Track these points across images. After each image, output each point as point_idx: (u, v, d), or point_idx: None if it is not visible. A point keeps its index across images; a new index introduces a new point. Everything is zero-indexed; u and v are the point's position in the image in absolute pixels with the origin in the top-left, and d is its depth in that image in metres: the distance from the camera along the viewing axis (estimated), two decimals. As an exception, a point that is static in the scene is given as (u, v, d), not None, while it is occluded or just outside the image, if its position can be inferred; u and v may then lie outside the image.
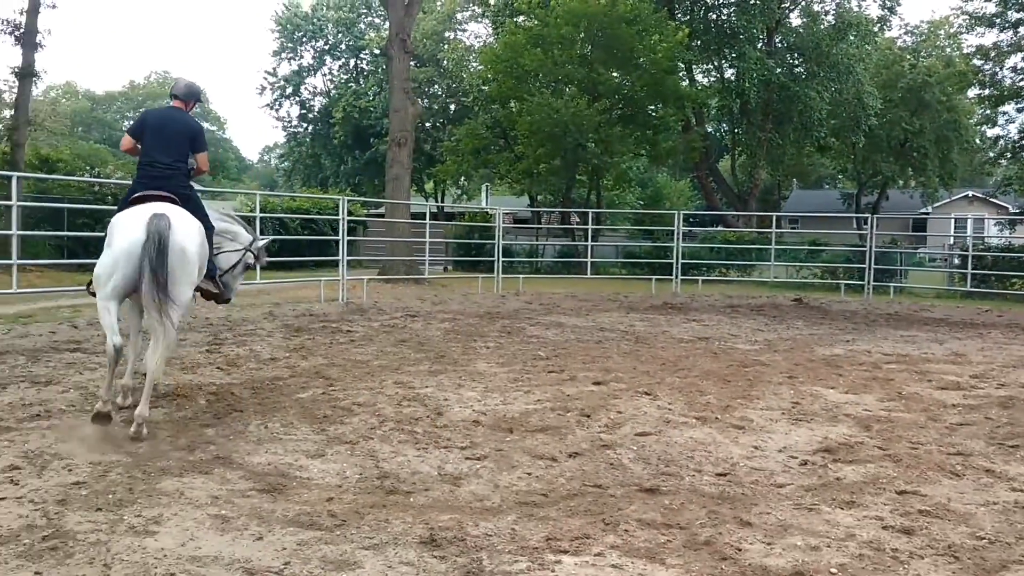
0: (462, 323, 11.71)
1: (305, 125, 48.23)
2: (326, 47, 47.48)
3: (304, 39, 47.17)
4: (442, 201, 45.14)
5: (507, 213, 28.85)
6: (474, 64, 37.19)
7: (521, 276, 19.90)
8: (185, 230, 5.34)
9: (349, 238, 14.67)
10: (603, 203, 29.49)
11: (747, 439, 5.43)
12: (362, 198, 35.40)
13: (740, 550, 3.55)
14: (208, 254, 6.02)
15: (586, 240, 21.15)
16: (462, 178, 41.81)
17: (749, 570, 3.34)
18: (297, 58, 47.72)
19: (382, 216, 24.02)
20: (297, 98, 47.94)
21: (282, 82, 47.61)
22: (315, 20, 46.76)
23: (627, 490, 4.35)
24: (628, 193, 38.64)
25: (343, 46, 47.19)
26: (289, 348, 8.88)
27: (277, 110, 48.63)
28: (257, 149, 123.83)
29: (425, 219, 19.84)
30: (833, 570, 3.36)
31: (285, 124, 49.22)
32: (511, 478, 4.51)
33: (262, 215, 16.45)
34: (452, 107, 41.61)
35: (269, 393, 6.53)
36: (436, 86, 41.87)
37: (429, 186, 45.31)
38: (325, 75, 48.29)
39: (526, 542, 3.59)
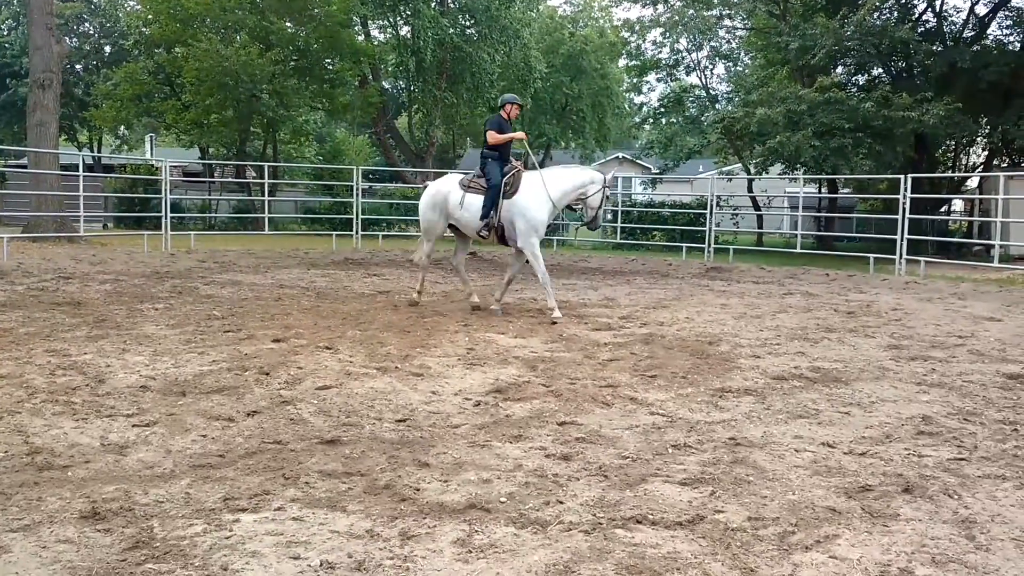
0: (126, 284, 10.83)
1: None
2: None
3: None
4: (99, 152, 40.99)
5: (175, 166, 27.00)
6: (132, 3, 33.98)
7: (193, 233, 18.77)
8: None
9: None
10: (280, 157, 28.61)
11: (425, 385, 5.64)
12: (-1, 147, 31.12)
13: (419, 490, 3.70)
14: None
15: (263, 195, 20.46)
16: (122, 127, 38.19)
17: (427, 507, 3.50)
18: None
19: (25, 168, 21.33)
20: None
21: None
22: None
23: (308, 443, 4.33)
24: (306, 148, 37.81)
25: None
26: (-91, 318, 7.67)
27: None
28: None
29: (78, 171, 17.93)
30: (503, 499, 3.61)
31: None
32: (184, 442, 4.30)
33: None
34: (108, 48, 37.74)
35: None
36: (87, 24, 37.68)
37: (83, 136, 40.92)
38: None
39: (202, 505, 3.46)
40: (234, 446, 4.27)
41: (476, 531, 3.26)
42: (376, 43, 30.97)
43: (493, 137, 9.14)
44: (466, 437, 4.53)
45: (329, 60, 26.65)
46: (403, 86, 35.34)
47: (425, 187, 9.85)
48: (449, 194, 9.26)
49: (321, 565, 2.94)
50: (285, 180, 28.81)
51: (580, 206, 9.23)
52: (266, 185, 20.51)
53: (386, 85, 35.67)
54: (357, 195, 19.26)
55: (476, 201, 9.06)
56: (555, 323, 8.47)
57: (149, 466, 3.94)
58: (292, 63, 25.62)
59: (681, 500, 3.64)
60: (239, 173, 28.59)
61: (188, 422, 4.63)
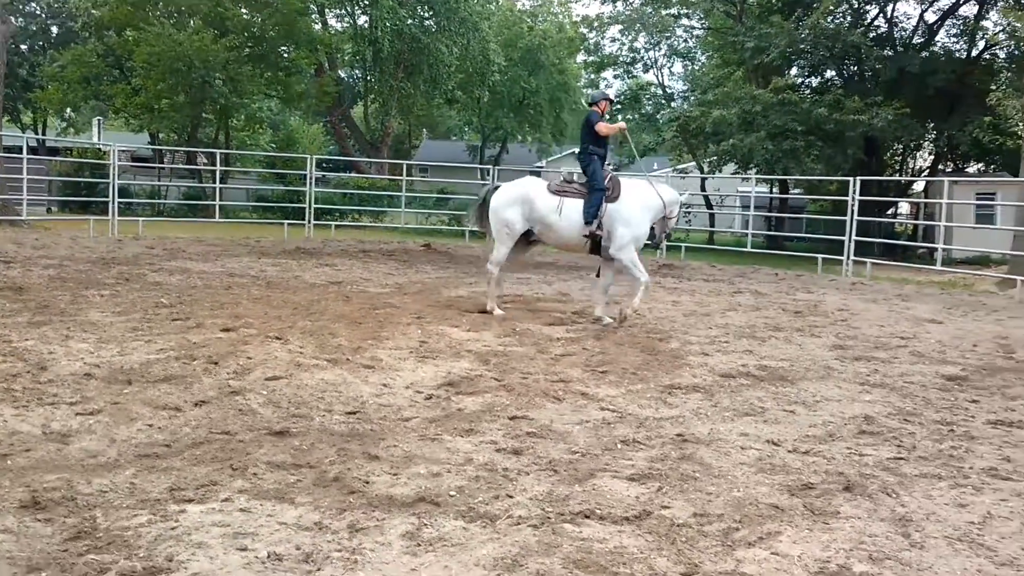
0: (70, 270, 10.59)
1: None
2: None
3: None
4: (43, 134, 39.95)
5: (124, 150, 26.41)
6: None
7: (141, 219, 18.39)
8: None
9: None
10: (233, 144, 28.18)
11: (376, 378, 5.62)
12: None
13: (368, 483, 3.69)
14: None
15: (214, 182, 20.15)
16: (68, 109, 37.28)
17: (376, 500, 3.49)
18: None
19: (-35, 148, 20.70)
20: None
21: None
22: None
23: (256, 434, 4.29)
24: (259, 135, 37.32)
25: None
26: None
27: None
28: None
29: (22, 153, 17.47)
30: (452, 493, 3.62)
31: None
32: (130, 431, 4.23)
33: None
34: (55, 29, 36.79)
35: None
36: (34, 3, 36.70)
37: (28, 117, 39.85)
38: None
39: (147, 495, 3.41)
40: (181, 436, 4.21)
41: (425, 524, 3.27)
42: (333, 32, 30.69)
43: (606, 128, 8.67)
44: (417, 430, 4.52)
45: (285, 48, 26.35)
46: (359, 76, 35.09)
47: (495, 187, 9.02)
48: (536, 198, 8.52)
49: (268, 557, 2.92)
50: (237, 167, 28.41)
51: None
52: (218, 172, 20.20)
53: (342, 74, 35.32)
54: (310, 184, 19.06)
55: (576, 206, 8.47)
56: (608, 324, 8.38)
57: (92, 455, 3.87)
58: (247, 50, 25.27)
59: (629, 495, 3.68)
60: (190, 159, 28.10)
61: (134, 411, 4.55)
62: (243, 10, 25.33)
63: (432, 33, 29.61)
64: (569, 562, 2.98)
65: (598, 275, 9.03)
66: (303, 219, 18.93)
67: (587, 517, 3.40)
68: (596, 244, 8.60)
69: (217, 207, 19.50)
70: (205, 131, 26.81)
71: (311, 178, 19.09)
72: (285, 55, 26.46)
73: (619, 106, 32.49)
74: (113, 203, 16.74)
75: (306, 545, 3.03)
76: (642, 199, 8.64)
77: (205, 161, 27.16)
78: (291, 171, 23.53)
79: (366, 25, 29.56)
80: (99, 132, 35.22)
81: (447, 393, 5.34)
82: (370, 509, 3.40)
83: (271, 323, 7.38)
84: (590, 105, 9.17)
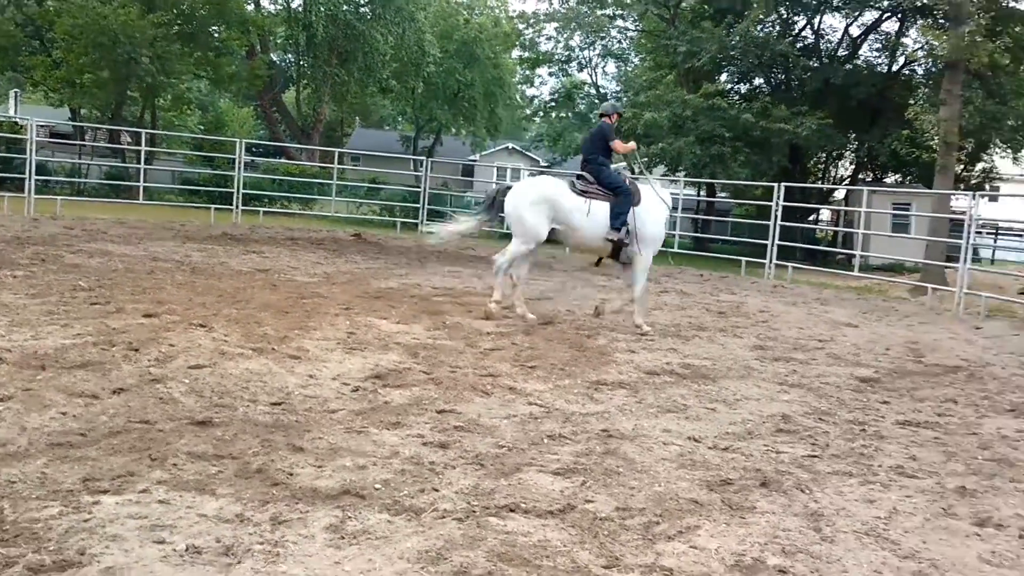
0: (-18, 249, 10.17)
1: None
2: None
3: None
4: (-46, 106, 38.22)
5: (43, 125, 25.46)
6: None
7: (60, 198, 17.75)
8: None
9: None
10: (159, 124, 27.41)
11: (303, 368, 5.55)
12: None
13: (292, 475, 3.65)
14: None
15: (139, 163, 19.55)
16: (-18, 80, 35.76)
17: (300, 492, 3.46)
18: None
19: None
20: None
21: None
22: None
23: (177, 424, 4.20)
24: (187, 116, 36.36)
25: None
26: None
27: None
28: None
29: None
30: (378, 486, 3.61)
31: None
32: (42, 419, 4.09)
33: None
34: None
35: None
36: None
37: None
38: None
39: (59, 485, 3.31)
40: (97, 425, 4.10)
41: (349, 517, 3.26)
42: (266, 14, 30.05)
43: (622, 147, 8.73)
44: (343, 422, 4.49)
45: (216, 28, 25.66)
46: (292, 60, 34.47)
47: (506, 187, 8.76)
48: (560, 198, 8.31)
49: (187, 550, 2.87)
50: (163, 148, 27.63)
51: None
52: (142, 152, 19.61)
53: (275, 58, 34.66)
54: (239, 168, 18.66)
55: (603, 209, 8.34)
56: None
57: (1, 444, 3.74)
58: (176, 27, 24.53)
59: (554, 489, 3.73)
60: (113, 138, 27.19)
61: (47, 398, 4.41)
62: (172, -15, 24.62)
63: (367, 20, 29.26)
64: (493, 555, 3.01)
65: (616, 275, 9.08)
66: (231, 204, 18.52)
67: (512, 511, 3.44)
68: (616, 248, 8.51)
69: (141, 188, 18.94)
70: (130, 109, 25.94)
71: (240, 162, 18.69)
72: (216, 35, 25.78)
73: (552, 104, 32.65)
74: (30, 180, 16.12)
75: (226, 538, 2.99)
76: (659, 203, 8.70)
77: (129, 140, 26.31)
78: (219, 154, 23.00)
79: (300, 9, 29.04)
80: (16, 105, 33.87)
81: (374, 385, 5.31)
82: (293, 501, 3.37)
83: (195, 310, 7.22)
84: (601, 116, 9.08)
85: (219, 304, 7.66)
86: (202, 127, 42.31)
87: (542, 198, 8.33)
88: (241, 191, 18.60)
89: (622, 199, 8.40)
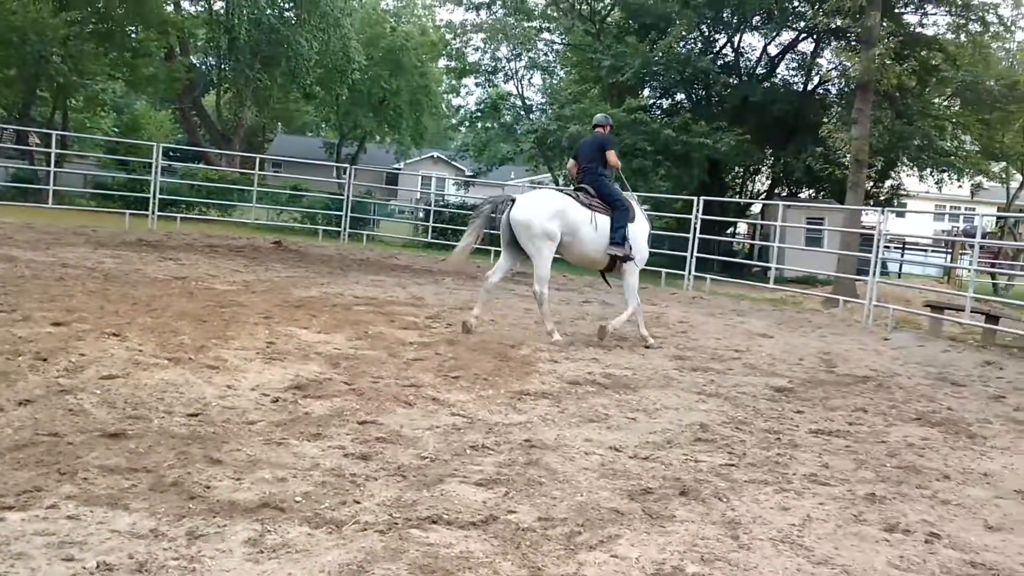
0: None
1: None
2: None
3: None
4: None
5: (-56, 125, 24.34)
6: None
7: (-39, 201, 17.00)
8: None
9: None
10: (71, 126, 26.48)
11: (221, 379, 5.43)
12: None
13: (209, 488, 3.57)
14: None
15: (48, 165, 18.85)
16: None
17: (217, 506, 3.39)
18: None
19: None
20: None
21: None
22: None
23: (88, 436, 4.06)
24: (101, 118, 35.24)
25: None
26: None
27: None
28: None
29: None
30: (298, 498, 3.56)
31: None
32: (-58, 432, 3.92)
33: None
34: None
35: None
36: None
37: None
38: None
39: (-40, 502, 3.17)
40: (1, 438, 3.93)
41: (268, 531, 3.20)
42: (186, 15, 29.40)
43: (616, 161, 8.83)
44: (262, 434, 4.41)
45: (133, 28, 24.97)
46: (213, 63, 33.78)
47: (508, 199, 8.56)
48: (568, 210, 8.28)
49: (98, 567, 2.78)
50: (75, 151, 26.71)
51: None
52: (52, 154, 18.92)
53: (195, 61, 33.90)
54: (156, 173, 18.17)
55: (606, 223, 8.40)
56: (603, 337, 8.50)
57: (-102, 458, 3.56)
58: (90, 26, 23.78)
59: (476, 500, 3.73)
60: (20, 139, 26.15)
61: (-52, 410, 4.22)
62: (88, -17, 23.89)
63: (291, 25, 28.91)
64: (415, 567, 2.99)
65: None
66: (146, 209, 18.02)
67: (434, 522, 3.43)
68: (612, 263, 8.66)
69: (51, 192, 18.27)
70: (40, 110, 25.04)
71: (157, 167, 18.20)
72: (133, 36, 25.10)
73: (479, 114, 32.73)
74: (-71, 182, 15.41)
75: (140, 554, 2.90)
76: (645, 220, 8.89)
77: (38, 142, 25.35)
78: (135, 158, 22.33)
79: (222, 12, 28.50)
80: (-85, 102, 32.22)
81: (294, 396, 5.23)
82: (211, 515, 3.29)
83: (108, 318, 6.99)
84: (596, 127, 9.14)
85: (133, 312, 7.43)
86: (117, 129, 41.04)
87: (556, 211, 8.27)
88: (158, 196, 18.11)
89: (620, 213, 8.49)
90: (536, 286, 8.41)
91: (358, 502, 3.57)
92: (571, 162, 9.22)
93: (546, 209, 8.28)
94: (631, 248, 8.54)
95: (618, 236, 8.44)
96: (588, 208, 8.42)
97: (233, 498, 3.48)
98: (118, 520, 3.16)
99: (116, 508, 3.27)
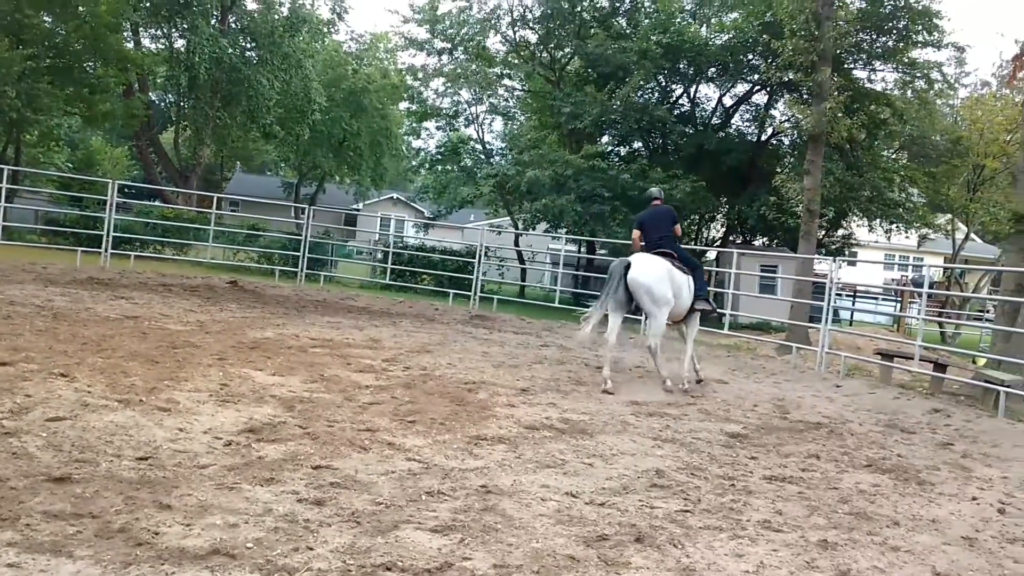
0: None
1: None
2: None
3: None
4: None
5: None
6: None
7: (-94, 235, 16.57)
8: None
9: None
10: (23, 161, 26.06)
11: (172, 421, 5.33)
12: None
13: (157, 534, 3.49)
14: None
15: (-2, 200, 18.48)
16: None
17: (166, 553, 3.31)
18: None
19: None
20: None
21: None
22: None
23: (32, 481, 3.96)
24: (55, 153, 34.76)
25: None
26: None
27: None
28: None
29: None
30: (249, 545, 3.49)
31: None
32: None
33: None
34: None
35: None
36: None
37: None
38: None
39: None
40: (-59, 482, 3.82)
41: (218, 579, 3.13)
42: (147, 53, 29.27)
43: (679, 231, 10.02)
44: (213, 478, 4.33)
45: (91, 64, 24.77)
46: (173, 100, 33.60)
47: (626, 263, 9.21)
48: (675, 272, 9.29)
49: (39, 617, 2.69)
50: (26, 186, 26.25)
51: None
52: (3, 190, 18.57)
53: (154, 97, 33.70)
54: (110, 210, 17.91)
55: (689, 283, 9.49)
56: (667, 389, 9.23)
57: None
58: (47, 61, 23.55)
59: (431, 547, 3.69)
60: (-30, 173, 25.67)
61: None
62: (46, 19, 23.62)
63: (253, 65, 28.92)
64: (368, 616, 2.95)
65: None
66: (99, 247, 17.72)
67: (388, 569, 3.39)
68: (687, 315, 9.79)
69: (0, 228, 17.90)
70: (-8, 144, 24.62)
71: (112, 203, 17.96)
72: (91, 71, 24.88)
73: (439, 157, 32.94)
74: None
75: (84, 602, 2.82)
76: None
77: (-12, 176, 24.91)
78: (89, 195, 21.99)
79: (183, 49, 28.42)
80: None
81: (248, 440, 5.15)
82: (159, 562, 3.22)
83: (56, 358, 6.85)
84: (654, 200, 10.14)
85: (83, 352, 7.29)
86: (71, 165, 40.50)
87: (668, 275, 9.19)
88: (112, 233, 17.84)
89: (700, 273, 9.76)
90: (651, 341, 9.45)
91: (311, 548, 3.52)
92: (636, 232, 9.97)
93: (662, 274, 9.17)
94: (708, 303, 9.85)
95: (703, 292, 9.70)
96: (682, 271, 9.43)
97: (182, 544, 3.41)
98: (61, 568, 3.08)
99: (60, 556, 3.18)
